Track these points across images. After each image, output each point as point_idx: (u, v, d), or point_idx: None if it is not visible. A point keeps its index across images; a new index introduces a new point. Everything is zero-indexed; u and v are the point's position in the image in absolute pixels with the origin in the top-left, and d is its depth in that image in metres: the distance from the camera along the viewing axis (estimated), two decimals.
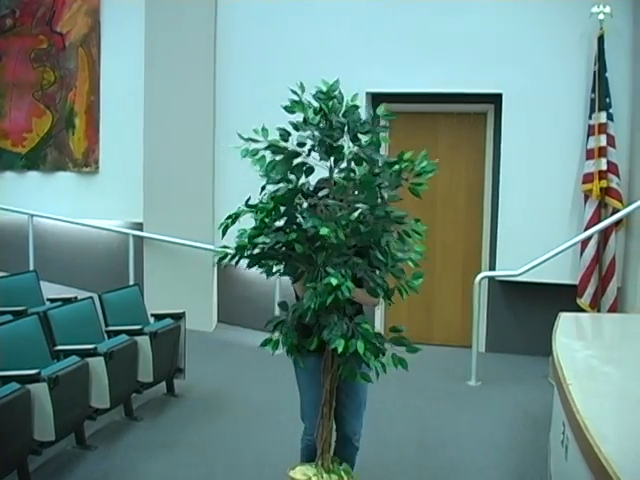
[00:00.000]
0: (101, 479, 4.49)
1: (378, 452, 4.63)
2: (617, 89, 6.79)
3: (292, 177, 3.40)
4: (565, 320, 4.74)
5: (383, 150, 4.28)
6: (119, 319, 5.79)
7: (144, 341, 5.49)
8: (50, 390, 4.28)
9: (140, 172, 8.20)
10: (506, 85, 7.15)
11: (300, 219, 3.40)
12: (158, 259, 8.25)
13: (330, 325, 3.36)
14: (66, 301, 6.04)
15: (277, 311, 7.22)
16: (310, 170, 3.41)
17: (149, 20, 8.11)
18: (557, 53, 7.02)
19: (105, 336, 5.57)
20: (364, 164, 3.40)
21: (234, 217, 3.51)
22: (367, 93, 7.29)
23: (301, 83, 3.38)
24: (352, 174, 3.40)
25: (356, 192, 3.42)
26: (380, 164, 3.41)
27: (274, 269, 3.53)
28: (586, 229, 6.74)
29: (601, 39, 6.73)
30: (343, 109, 3.41)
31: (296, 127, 3.40)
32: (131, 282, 7.97)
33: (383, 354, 3.47)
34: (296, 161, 3.39)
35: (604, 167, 6.68)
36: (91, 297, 5.85)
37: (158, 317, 6.06)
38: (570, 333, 4.52)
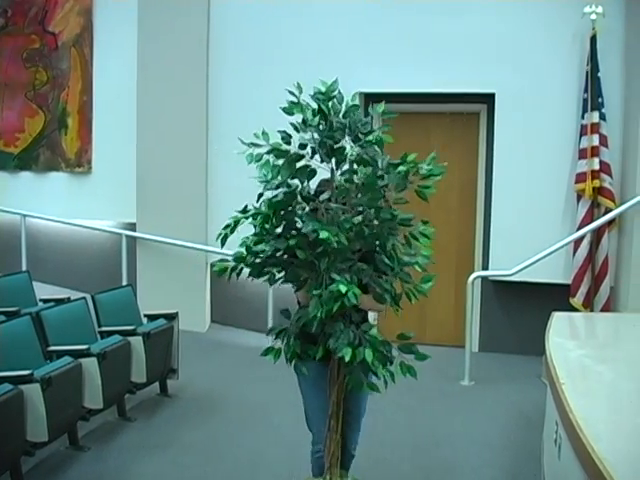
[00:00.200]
0: None
1: (371, 452, 4.62)
2: (609, 89, 6.80)
3: (294, 181, 3.28)
4: (558, 320, 4.75)
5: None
6: (112, 320, 5.78)
7: (137, 342, 5.48)
8: (43, 391, 4.27)
9: (133, 172, 8.18)
10: (499, 85, 7.15)
11: (300, 224, 3.28)
12: (151, 259, 8.24)
13: (336, 333, 3.24)
14: (59, 302, 6.03)
15: (270, 311, 7.31)
16: (313, 173, 3.29)
17: (142, 20, 8.08)
18: (549, 53, 7.03)
19: (98, 337, 5.56)
20: (367, 166, 3.28)
21: (233, 226, 3.36)
22: (360, 93, 7.29)
23: (298, 84, 3.28)
24: (355, 176, 3.29)
25: (359, 195, 3.30)
26: (383, 166, 3.29)
27: (277, 277, 3.41)
28: (579, 229, 6.75)
29: (593, 39, 6.74)
30: (343, 109, 3.31)
31: (297, 128, 3.29)
32: (124, 282, 7.95)
33: (391, 362, 3.37)
34: (299, 164, 3.27)
35: (597, 167, 6.69)
36: (84, 298, 5.84)
37: (151, 317, 6.05)
38: (563, 332, 4.53)
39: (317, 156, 3.30)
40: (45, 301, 6.36)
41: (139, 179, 8.17)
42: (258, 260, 3.33)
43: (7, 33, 9.09)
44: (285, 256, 3.34)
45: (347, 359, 3.17)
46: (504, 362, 7.13)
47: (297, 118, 3.31)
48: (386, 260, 3.32)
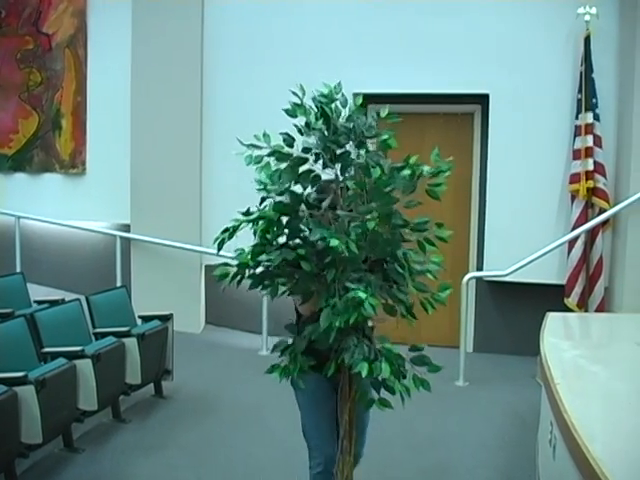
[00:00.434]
0: None
1: (365, 453, 4.61)
2: (603, 89, 6.81)
3: (296, 187, 3.07)
4: (553, 320, 4.75)
5: None
6: (106, 321, 5.77)
7: (132, 343, 5.47)
8: (37, 392, 4.25)
9: (127, 173, 8.16)
10: (493, 86, 7.16)
11: (306, 231, 3.06)
12: (145, 261, 8.22)
13: (350, 348, 3.01)
14: (53, 303, 6.03)
15: (265, 313, 7.28)
16: (317, 178, 3.10)
17: (136, 21, 8.08)
18: (544, 54, 7.04)
19: (92, 338, 5.55)
20: (372, 170, 3.05)
21: (232, 230, 3.12)
22: (353, 94, 7.26)
23: (301, 85, 3.10)
24: (366, 179, 3.06)
25: (368, 200, 3.06)
26: (387, 170, 3.08)
27: (280, 289, 3.15)
28: (573, 229, 6.77)
29: (587, 40, 6.75)
30: (347, 113, 3.16)
31: (300, 131, 3.11)
32: (118, 284, 7.93)
33: (404, 376, 3.13)
34: (302, 168, 3.07)
35: (591, 167, 6.71)
36: (78, 299, 5.83)
37: (146, 319, 6.04)
38: (558, 333, 4.53)
39: (320, 161, 3.12)
40: (39, 302, 6.36)
41: (133, 180, 8.15)
42: (259, 270, 3.13)
43: (1, 34, 9.05)
44: (288, 268, 3.10)
45: (364, 375, 2.96)
46: (499, 362, 7.14)
47: (299, 121, 3.15)
48: (399, 269, 3.14)
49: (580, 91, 6.81)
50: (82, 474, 4.54)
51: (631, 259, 6.64)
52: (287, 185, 3.05)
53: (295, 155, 3.07)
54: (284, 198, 3.04)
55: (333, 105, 3.13)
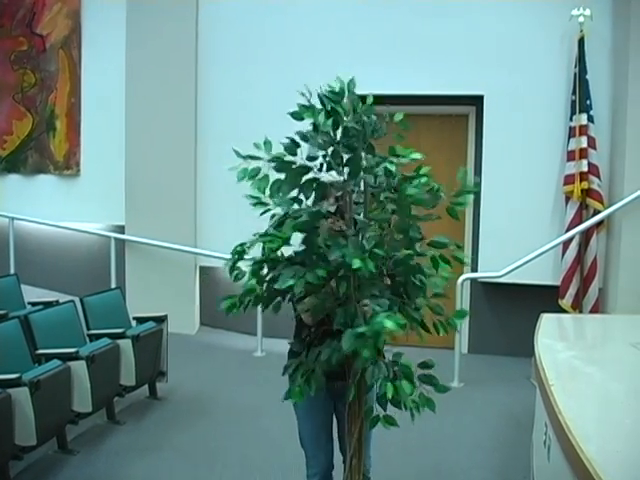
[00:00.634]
0: None
1: None
2: (597, 91, 6.84)
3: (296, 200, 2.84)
4: (547, 321, 4.75)
5: None
6: (101, 322, 5.76)
7: (126, 344, 5.46)
8: (31, 394, 4.24)
9: (122, 174, 8.16)
10: (487, 87, 7.17)
11: (323, 248, 2.80)
12: (140, 262, 8.21)
13: (369, 367, 2.84)
14: (47, 304, 6.01)
15: (260, 314, 7.26)
16: (322, 186, 2.85)
17: (130, 22, 8.07)
18: (538, 55, 7.06)
19: (87, 340, 5.54)
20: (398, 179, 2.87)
21: (242, 251, 2.97)
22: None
23: (307, 87, 2.81)
24: (390, 192, 2.84)
25: (391, 210, 2.88)
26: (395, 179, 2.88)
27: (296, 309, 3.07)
28: (567, 230, 6.78)
29: (581, 41, 6.77)
30: (359, 112, 2.89)
31: (305, 137, 2.79)
32: (113, 285, 7.92)
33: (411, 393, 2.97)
34: (305, 177, 2.80)
35: (585, 169, 6.72)
36: (72, 301, 5.82)
37: (140, 320, 6.02)
38: (552, 334, 4.53)
39: (325, 167, 2.86)
40: (33, 304, 6.33)
41: (128, 181, 8.14)
42: (266, 289, 3.00)
43: None
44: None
45: (389, 396, 2.84)
46: (493, 364, 7.15)
47: (302, 124, 2.85)
48: (417, 282, 2.96)
49: (574, 92, 6.83)
50: (76, 476, 4.53)
51: (625, 260, 6.66)
52: (289, 200, 2.82)
53: (299, 163, 2.80)
54: (305, 212, 2.80)
55: (343, 103, 2.86)
